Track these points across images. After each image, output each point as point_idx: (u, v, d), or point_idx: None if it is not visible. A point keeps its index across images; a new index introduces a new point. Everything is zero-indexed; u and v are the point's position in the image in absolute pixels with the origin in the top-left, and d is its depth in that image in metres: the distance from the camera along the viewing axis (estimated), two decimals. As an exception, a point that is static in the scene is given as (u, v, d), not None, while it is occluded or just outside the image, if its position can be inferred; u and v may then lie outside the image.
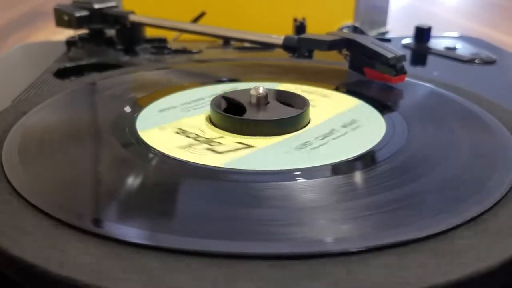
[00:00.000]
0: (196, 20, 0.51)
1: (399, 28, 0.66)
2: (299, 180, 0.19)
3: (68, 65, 0.40)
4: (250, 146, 0.22)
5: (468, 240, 0.15)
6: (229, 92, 0.26)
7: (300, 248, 0.15)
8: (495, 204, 0.17)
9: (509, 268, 0.15)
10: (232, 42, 0.48)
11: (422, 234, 0.15)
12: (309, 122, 0.24)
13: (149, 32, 0.46)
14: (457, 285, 0.14)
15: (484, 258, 0.14)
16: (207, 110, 0.25)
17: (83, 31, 0.45)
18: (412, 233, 0.15)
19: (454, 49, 0.45)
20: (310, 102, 0.25)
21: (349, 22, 0.56)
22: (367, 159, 0.21)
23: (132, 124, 0.24)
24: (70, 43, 0.46)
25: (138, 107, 0.26)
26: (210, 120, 0.24)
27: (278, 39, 0.35)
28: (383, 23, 0.62)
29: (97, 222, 0.16)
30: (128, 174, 0.19)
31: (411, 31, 0.48)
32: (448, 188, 0.18)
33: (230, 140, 0.22)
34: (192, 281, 0.13)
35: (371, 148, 0.21)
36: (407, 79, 0.30)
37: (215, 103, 0.25)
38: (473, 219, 0.16)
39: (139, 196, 0.18)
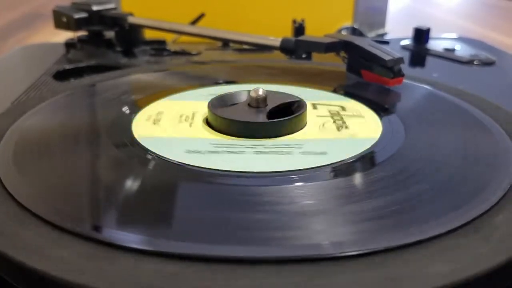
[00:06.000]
0: (195, 22, 0.51)
1: (398, 30, 0.66)
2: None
3: (67, 67, 0.40)
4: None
5: (467, 243, 0.15)
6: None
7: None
8: (493, 206, 0.17)
9: (510, 270, 0.15)
10: (231, 44, 0.48)
11: (420, 237, 0.15)
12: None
13: (148, 34, 0.46)
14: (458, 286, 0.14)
15: (484, 260, 0.14)
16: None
17: (82, 33, 0.45)
18: (410, 236, 0.15)
19: (453, 50, 0.45)
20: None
21: (348, 23, 0.56)
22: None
23: (128, 127, 0.24)
24: (69, 45, 0.46)
25: (135, 109, 0.26)
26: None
27: (276, 41, 0.35)
28: (382, 24, 0.62)
29: (94, 226, 0.16)
30: (124, 177, 0.19)
31: (410, 33, 0.48)
32: (446, 190, 0.18)
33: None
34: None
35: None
36: (404, 81, 0.30)
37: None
38: (471, 221, 0.16)
39: (136, 200, 0.18)
